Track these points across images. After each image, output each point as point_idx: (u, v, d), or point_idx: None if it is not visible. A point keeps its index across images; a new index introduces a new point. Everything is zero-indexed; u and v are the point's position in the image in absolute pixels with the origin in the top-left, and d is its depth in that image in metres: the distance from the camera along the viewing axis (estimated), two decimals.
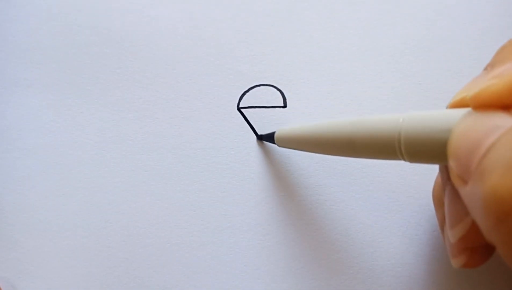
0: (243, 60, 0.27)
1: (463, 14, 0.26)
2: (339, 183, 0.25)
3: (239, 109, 0.26)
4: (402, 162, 0.17)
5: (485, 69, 0.18)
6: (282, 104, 0.26)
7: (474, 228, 0.17)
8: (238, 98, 0.26)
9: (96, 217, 0.25)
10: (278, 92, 0.26)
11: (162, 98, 0.27)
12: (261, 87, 0.26)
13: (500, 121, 0.14)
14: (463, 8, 0.27)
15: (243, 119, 0.26)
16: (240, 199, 0.25)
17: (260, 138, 0.26)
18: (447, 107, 0.17)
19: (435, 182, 0.21)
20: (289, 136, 0.23)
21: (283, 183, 0.25)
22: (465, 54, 0.26)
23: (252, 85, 0.27)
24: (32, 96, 0.27)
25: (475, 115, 0.15)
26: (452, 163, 0.15)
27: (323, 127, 0.20)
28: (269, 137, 0.25)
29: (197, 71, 0.27)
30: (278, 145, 0.24)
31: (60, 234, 0.25)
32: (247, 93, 0.26)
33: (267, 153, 0.25)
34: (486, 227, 0.13)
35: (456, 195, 0.17)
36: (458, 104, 0.16)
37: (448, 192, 0.18)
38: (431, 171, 0.24)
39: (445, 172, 0.18)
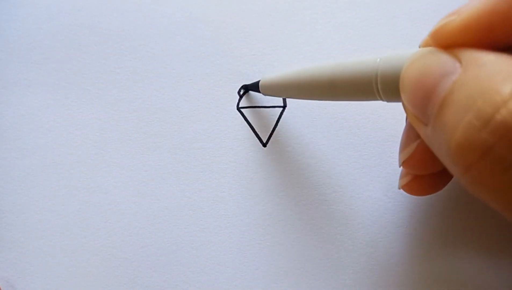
0: (243, 60, 0.27)
1: None
2: (339, 183, 0.25)
3: (239, 109, 0.26)
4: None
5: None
6: (282, 104, 0.26)
7: (416, 155, 0.19)
8: (238, 98, 0.26)
9: (96, 217, 0.25)
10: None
11: (162, 98, 0.27)
12: None
13: (449, 64, 0.14)
14: None
15: (243, 119, 0.26)
16: (240, 199, 0.25)
17: (246, 88, 0.26)
18: (420, 46, 0.18)
19: None
20: (273, 83, 0.23)
21: (283, 183, 0.25)
22: None
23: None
24: (32, 96, 0.27)
25: (429, 55, 0.15)
26: (405, 102, 0.16)
27: (305, 71, 0.21)
28: (254, 86, 0.25)
29: (197, 71, 0.27)
30: (263, 94, 0.24)
31: (60, 234, 0.25)
32: (247, 93, 0.26)
33: (267, 153, 0.25)
34: (453, 171, 0.14)
35: (411, 126, 0.19)
36: (427, 44, 0.17)
37: (407, 122, 0.20)
38: None
39: None
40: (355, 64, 0.18)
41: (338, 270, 0.24)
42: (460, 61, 0.14)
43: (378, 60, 0.17)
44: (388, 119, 0.25)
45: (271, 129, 0.26)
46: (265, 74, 0.24)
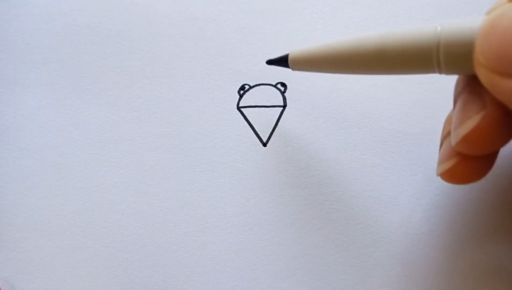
0: (243, 60, 0.27)
1: (463, 14, 0.26)
2: (339, 183, 0.25)
3: (239, 109, 0.26)
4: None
5: None
6: (282, 104, 0.26)
7: (481, 126, 0.17)
8: (238, 98, 0.26)
9: (96, 217, 0.25)
10: (278, 92, 0.26)
11: (162, 97, 0.27)
12: (261, 87, 0.27)
13: None
14: (463, 8, 0.27)
15: (243, 119, 0.26)
16: (240, 199, 0.25)
17: (270, 62, 0.24)
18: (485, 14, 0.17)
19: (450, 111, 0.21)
20: (308, 55, 0.21)
21: (283, 183, 0.25)
22: None
23: (252, 85, 0.27)
24: (32, 95, 0.27)
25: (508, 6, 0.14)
26: (483, 59, 0.15)
27: (347, 42, 0.19)
28: (281, 61, 0.22)
29: (197, 71, 0.27)
30: (292, 69, 0.22)
31: (60, 234, 0.25)
32: (247, 93, 0.26)
33: (267, 153, 0.25)
34: None
35: (469, 100, 0.17)
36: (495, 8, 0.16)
37: (461, 99, 0.18)
38: (431, 171, 0.24)
39: (461, 83, 0.18)
40: (409, 33, 0.16)
41: (338, 270, 0.24)
42: None
43: (439, 28, 0.16)
44: (389, 119, 0.25)
45: (271, 129, 0.26)
46: (293, 48, 0.22)
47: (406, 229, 0.24)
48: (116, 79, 0.27)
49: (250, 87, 0.27)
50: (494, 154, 0.19)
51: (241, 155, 0.25)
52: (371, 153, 0.25)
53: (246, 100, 0.26)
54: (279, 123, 0.26)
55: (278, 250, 0.24)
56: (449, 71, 0.16)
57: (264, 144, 0.26)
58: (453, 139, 0.18)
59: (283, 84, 0.26)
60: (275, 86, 0.26)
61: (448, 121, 0.21)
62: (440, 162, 0.19)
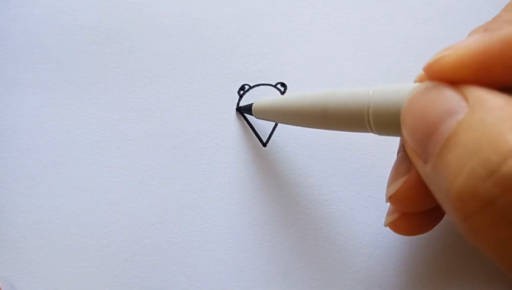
0: (243, 60, 0.27)
1: (463, 14, 0.26)
2: (339, 183, 0.25)
3: (239, 109, 0.26)
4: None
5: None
6: None
7: (403, 191, 0.18)
8: (238, 98, 0.26)
9: (96, 217, 0.25)
10: (278, 92, 0.26)
11: (162, 97, 0.27)
12: (261, 87, 0.27)
13: (454, 102, 0.14)
14: (463, 8, 0.27)
15: (243, 119, 0.26)
16: (240, 199, 0.25)
17: (239, 109, 0.26)
18: (414, 81, 0.18)
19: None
20: (266, 108, 0.23)
21: (283, 183, 0.25)
22: None
23: (252, 85, 0.27)
24: (32, 95, 0.27)
25: (430, 91, 0.15)
26: (406, 138, 0.15)
27: (298, 99, 0.21)
28: (247, 109, 0.25)
29: (197, 71, 0.27)
30: (255, 117, 0.25)
31: (60, 234, 0.25)
32: (247, 93, 0.26)
33: (267, 154, 0.25)
34: (450, 215, 0.14)
35: (402, 159, 0.19)
36: (423, 78, 0.16)
37: (399, 154, 0.19)
38: None
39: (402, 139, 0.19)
40: (348, 95, 0.18)
41: (338, 270, 0.24)
42: (466, 100, 0.14)
43: (371, 92, 0.17)
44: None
45: (271, 129, 0.26)
46: (257, 99, 0.24)
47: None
48: (116, 79, 0.27)
49: (250, 87, 0.27)
50: (437, 208, 0.19)
51: (241, 155, 0.25)
52: (371, 153, 0.25)
53: (246, 100, 0.26)
54: (279, 123, 0.26)
55: (278, 250, 0.24)
56: (380, 133, 0.17)
57: (264, 144, 0.26)
58: (386, 195, 0.19)
59: (283, 84, 0.26)
60: (275, 86, 0.26)
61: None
62: (387, 214, 0.20)
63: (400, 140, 0.21)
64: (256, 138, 0.26)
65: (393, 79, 0.26)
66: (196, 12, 0.28)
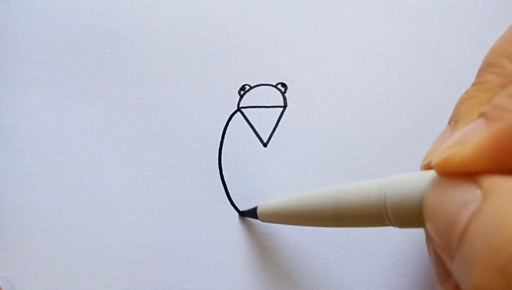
0: (244, 60, 0.27)
1: (463, 14, 0.26)
2: (339, 183, 0.25)
3: (239, 109, 0.26)
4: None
5: (449, 123, 0.18)
6: (282, 104, 0.26)
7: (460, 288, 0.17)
8: (238, 98, 0.26)
9: (96, 217, 0.25)
10: (278, 92, 0.26)
11: (162, 98, 0.27)
12: (261, 87, 0.27)
13: (468, 194, 0.14)
14: (463, 8, 0.27)
15: (243, 119, 0.26)
16: (240, 199, 0.25)
17: (243, 214, 0.25)
18: (420, 168, 0.18)
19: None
20: (273, 211, 0.22)
21: (283, 183, 0.25)
22: (465, 54, 0.26)
23: (253, 85, 0.27)
24: (32, 96, 0.27)
25: (443, 186, 0.15)
26: (432, 234, 0.15)
27: (306, 201, 0.20)
28: (252, 213, 0.24)
29: (197, 71, 0.27)
30: (261, 220, 0.23)
31: (60, 234, 0.25)
32: (247, 93, 0.26)
33: (267, 153, 0.25)
34: None
35: (437, 261, 0.18)
36: (430, 166, 0.16)
37: (432, 256, 0.18)
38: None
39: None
40: (359, 193, 0.17)
41: (338, 270, 0.24)
42: (480, 188, 0.14)
43: (384, 185, 0.17)
44: (389, 118, 0.25)
45: (271, 129, 0.26)
46: (261, 202, 0.23)
47: (405, 229, 0.24)
48: (116, 79, 0.27)
49: (251, 88, 0.27)
50: None
51: (241, 155, 0.25)
52: (371, 153, 0.25)
53: (247, 100, 0.26)
54: (279, 123, 0.26)
55: (278, 250, 0.24)
56: (403, 227, 0.17)
57: (264, 144, 0.26)
58: None
59: (283, 84, 0.26)
60: (275, 86, 0.26)
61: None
62: None
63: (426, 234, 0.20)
64: (256, 138, 0.26)
65: (393, 79, 0.26)
66: (196, 12, 0.28)
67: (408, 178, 0.16)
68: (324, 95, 0.26)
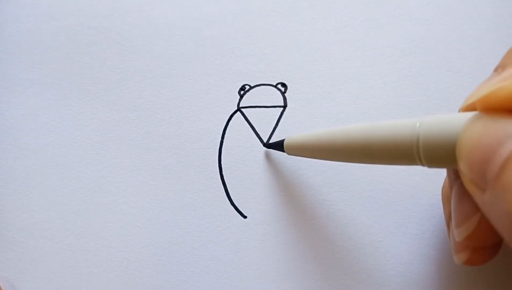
0: (243, 60, 0.27)
1: (463, 14, 0.26)
2: (339, 183, 0.25)
3: (239, 109, 0.26)
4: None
5: (496, 70, 0.18)
6: (282, 104, 0.26)
7: (479, 229, 0.17)
8: (238, 98, 0.26)
9: (96, 217, 0.25)
10: (278, 92, 0.26)
11: (162, 98, 0.27)
12: (261, 87, 0.27)
13: None
14: (463, 8, 0.27)
15: (243, 119, 0.26)
16: (240, 199, 0.25)
17: (268, 146, 0.25)
18: (459, 111, 0.17)
19: (445, 180, 0.21)
20: (300, 144, 0.22)
21: (283, 183, 0.25)
22: (465, 54, 0.26)
23: (253, 85, 0.27)
24: (32, 96, 0.27)
25: (485, 120, 0.15)
26: (463, 168, 0.15)
27: (336, 134, 0.20)
28: (278, 145, 0.24)
29: (197, 71, 0.27)
30: (287, 153, 0.23)
31: (61, 234, 0.25)
32: (247, 93, 0.26)
33: (267, 154, 0.25)
34: (508, 240, 0.14)
35: (463, 196, 0.18)
36: (470, 108, 0.16)
37: (455, 192, 0.18)
38: (431, 171, 0.24)
39: (452, 172, 0.19)
40: (391, 128, 0.17)
41: (338, 270, 0.24)
42: None
43: (418, 124, 0.17)
44: (389, 118, 0.25)
45: (272, 129, 0.26)
46: (290, 135, 0.23)
47: (406, 229, 0.24)
48: (116, 79, 0.27)
49: (251, 87, 0.27)
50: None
51: (241, 155, 0.25)
52: None
53: (247, 100, 0.26)
54: (279, 123, 0.26)
55: (278, 250, 0.24)
56: (432, 166, 0.17)
57: (264, 144, 0.26)
58: (457, 237, 0.18)
59: (283, 84, 0.26)
60: (275, 86, 0.26)
61: (444, 198, 0.21)
62: (455, 253, 0.20)
63: (449, 177, 0.20)
64: (256, 138, 0.26)
65: (393, 79, 0.26)
66: (196, 12, 0.28)
67: (444, 118, 0.16)
68: (324, 95, 0.26)
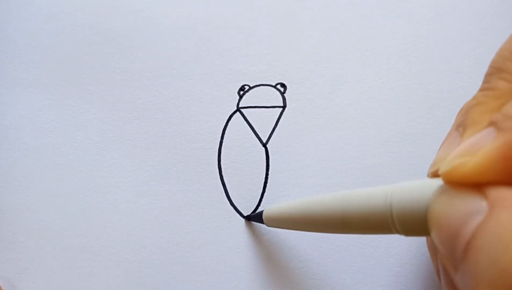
0: (243, 60, 0.27)
1: (463, 14, 0.26)
2: (339, 183, 0.25)
3: (238, 109, 0.26)
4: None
5: (457, 129, 0.18)
6: (282, 105, 0.26)
7: None
8: (238, 98, 0.26)
9: (96, 217, 0.25)
10: (277, 92, 0.26)
11: (162, 98, 0.27)
12: (261, 87, 0.27)
13: (474, 205, 0.14)
14: (463, 8, 0.27)
15: (243, 119, 0.26)
16: (240, 199, 0.25)
17: (248, 218, 0.25)
18: (427, 175, 0.17)
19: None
20: (278, 216, 0.22)
21: (283, 183, 0.25)
22: (465, 54, 0.26)
23: (252, 85, 0.27)
24: (32, 96, 0.27)
25: (450, 194, 0.15)
26: (435, 242, 0.15)
27: (312, 206, 0.20)
28: (257, 217, 0.24)
29: (197, 71, 0.27)
30: (267, 225, 0.23)
31: (60, 234, 0.25)
32: (247, 93, 0.26)
33: (266, 154, 0.25)
34: None
35: (444, 271, 0.18)
36: (437, 174, 0.16)
37: (440, 263, 0.18)
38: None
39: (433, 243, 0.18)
40: (365, 199, 0.17)
41: (338, 270, 0.24)
42: (486, 199, 0.13)
43: (390, 193, 0.17)
44: (389, 118, 0.25)
45: (271, 129, 0.26)
46: (267, 207, 0.23)
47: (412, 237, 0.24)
48: (116, 80, 0.27)
49: (250, 88, 0.27)
50: None
51: (241, 155, 0.25)
52: (371, 153, 0.25)
53: (246, 100, 0.26)
54: (279, 123, 0.26)
55: (278, 250, 0.24)
56: (408, 235, 0.17)
57: (264, 144, 0.26)
58: None
59: (283, 85, 0.26)
60: (275, 86, 0.26)
61: (430, 251, 0.20)
62: None
63: (428, 243, 0.20)
64: (256, 138, 0.26)
65: (393, 79, 0.26)
66: (196, 12, 0.28)
67: (415, 186, 0.16)
68: (324, 95, 0.26)
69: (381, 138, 0.25)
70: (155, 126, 0.26)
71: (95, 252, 0.25)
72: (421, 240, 0.23)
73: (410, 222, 0.16)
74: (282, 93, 0.26)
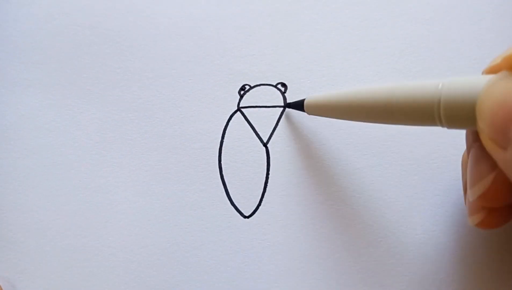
0: (243, 60, 0.27)
1: (463, 14, 0.26)
2: (339, 183, 0.25)
3: (239, 109, 0.26)
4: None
5: None
6: (282, 104, 0.26)
7: (494, 188, 0.18)
8: (238, 98, 0.26)
9: (96, 217, 0.25)
10: (278, 92, 0.26)
11: (162, 98, 0.27)
12: (261, 87, 0.27)
13: None
14: (463, 8, 0.27)
15: (243, 119, 0.26)
16: (240, 199, 0.25)
17: (288, 106, 0.25)
18: (482, 73, 0.17)
19: (464, 151, 0.21)
20: (322, 103, 0.22)
21: (283, 183, 0.25)
22: (465, 54, 0.26)
23: (253, 85, 0.27)
24: (32, 96, 0.27)
25: (507, 77, 0.15)
26: (483, 127, 0.15)
27: (358, 93, 0.20)
28: (298, 105, 0.24)
29: (197, 71, 0.27)
30: (307, 113, 0.24)
31: (60, 234, 0.25)
32: (247, 93, 0.26)
33: (267, 154, 0.25)
34: None
35: (480, 157, 0.18)
36: (494, 69, 0.16)
37: (472, 154, 0.19)
38: (431, 171, 0.24)
39: (470, 135, 0.19)
40: (414, 88, 0.18)
41: (338, 270, 0.24)
42: None
43: (440, 85, 0.17)
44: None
45: (271, 129, 0.26)
46: (310, 94, 0.23)
47: (406, 229, 0.24)
48: (116, 79, 0.27)
49: (251, 88, 0.27)
50: None
51: (241, 155, 0.25)
52: (371, 153, 0.25)
53: (247, 100, 0.26)
54: (279, 123, 0.26)
55: (278, 250, 0.24)
56: (451, 127, 0.17)
57: (264, 144, 0.26)
58: (470, 197, 0.19)
59: (283, 84, 0.26)
60: (275, 86, 0.26)
61: (464, 164, 0.21)
62: (470, 214, 0.20)
63: (468, 140, 0.20)
64: (257, 138, 0.26)
65: (393, 79, 0.26)
66: (196, 12, 0.28)
67: (468, 79, 0.16)
68: None
69: (381, 138, 0.25)
70: (155, 126, 0.26)
71: (95, 252, 0.25)
72: (422, 241, 0.23)
73: (457, 110, 0.16)
74: (283, 93, 0.26)
